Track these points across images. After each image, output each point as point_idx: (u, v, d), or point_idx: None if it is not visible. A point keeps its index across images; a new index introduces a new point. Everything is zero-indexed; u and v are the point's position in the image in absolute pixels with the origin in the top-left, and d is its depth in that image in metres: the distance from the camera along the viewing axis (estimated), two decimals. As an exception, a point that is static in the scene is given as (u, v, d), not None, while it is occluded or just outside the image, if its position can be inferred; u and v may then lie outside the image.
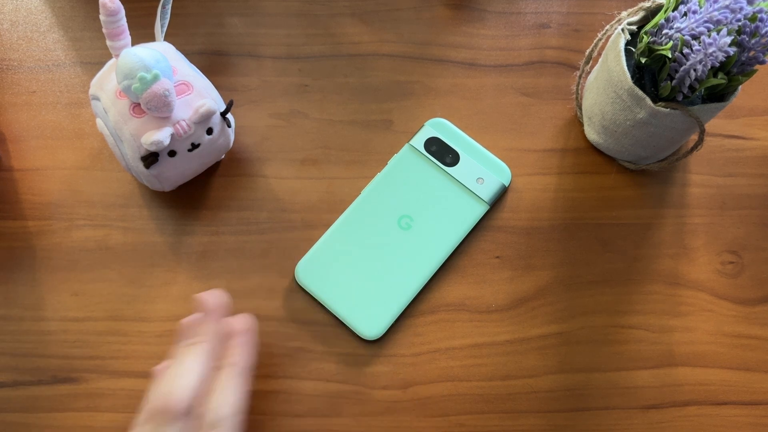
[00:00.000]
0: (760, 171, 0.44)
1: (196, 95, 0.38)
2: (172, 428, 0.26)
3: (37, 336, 0.39)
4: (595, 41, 0.41)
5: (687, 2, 0.36)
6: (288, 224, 0.42)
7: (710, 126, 0.45)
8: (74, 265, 0.41)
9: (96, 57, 0.46)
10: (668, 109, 0.37)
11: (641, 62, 0.37)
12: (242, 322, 0.32)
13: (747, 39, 0.34)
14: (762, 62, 0.35)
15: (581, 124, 0.45)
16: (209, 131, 0.38)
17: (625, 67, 0.37)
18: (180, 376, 0.27)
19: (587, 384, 0.39)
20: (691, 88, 0.36)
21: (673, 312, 0.41)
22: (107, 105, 0.37)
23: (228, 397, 0.28)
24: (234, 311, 0.40)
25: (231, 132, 0.41)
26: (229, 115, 0.40)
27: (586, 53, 0.42)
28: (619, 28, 0.39)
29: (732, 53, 0.33)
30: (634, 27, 0.39)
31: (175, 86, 0.37)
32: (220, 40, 0.47)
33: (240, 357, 0.30)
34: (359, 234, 0.41)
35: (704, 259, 0.42)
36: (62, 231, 0.42)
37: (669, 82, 0.36)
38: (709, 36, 0.33)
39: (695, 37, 0.35)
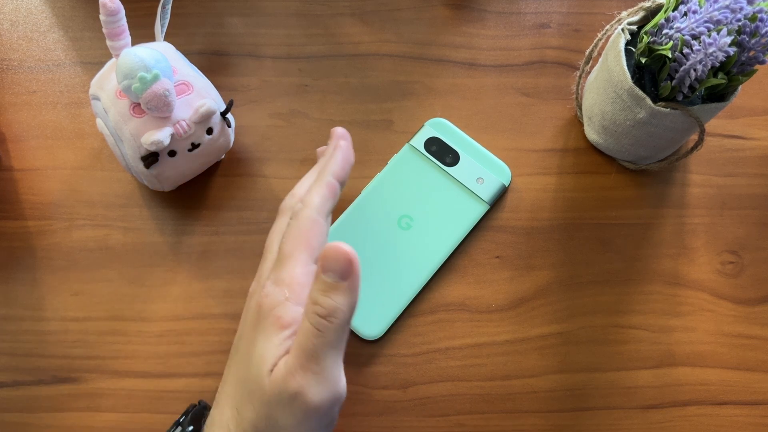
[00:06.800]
0: (760, 171, 0.44)
1: (196, 95, 0.38)
2: (284, 218, 0.36)
3: (37, 336, 0.39)
4: (595, 41, 0.41)
5: (687, 2, 0.36)
6: (288, 224, 0.42)
7: (710, 126, 0.45)
8: (74, 265, 0.41)
9: (96, 57, 0.46)
10: (668, 109, 0.37)
11: (641, 62, 0.37)
12: (340, 134, 0.38)
13: (747, 39, 0.34)
14: (762, 62, 0.35)
15: (581, 124, 0.45)
16: (209, 131, 0.38)
17: (625, 67, 0.37)
18: (296, 186, 0.37)
19: (587, 384, 0.39)
20: (691, 88, 0.36)
21: (673, 312, 0.41)
22: (107, 105, 0.37)
23: (309, 196, 0.34)
24: (234, 311, 0.40)
25: (231, 132, 0.41)
26: (229, 115, 0.40)
27: (586, 53, 0.42)
28: (619, 28, 0.39)
29: (732, 53, 0.33)
30: (634, 27, 0.39)
31: (175, 86, 0.37)
32: (220, 40, 0.47)
33: (328, 166, 0.36)
34: (359, 234, 0.41)
35: (704, 259, 0.42)
36: (62, 231, 0.42)
37: (669, 82, 0.36)
38: (709, 36, 0.33)
39: (695, 37, 0.35)
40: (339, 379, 0.30)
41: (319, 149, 0.41)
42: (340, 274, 0.28)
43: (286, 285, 0.31)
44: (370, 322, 0.39)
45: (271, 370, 0.29)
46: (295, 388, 0.28)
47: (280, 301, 0.31)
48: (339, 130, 0.39)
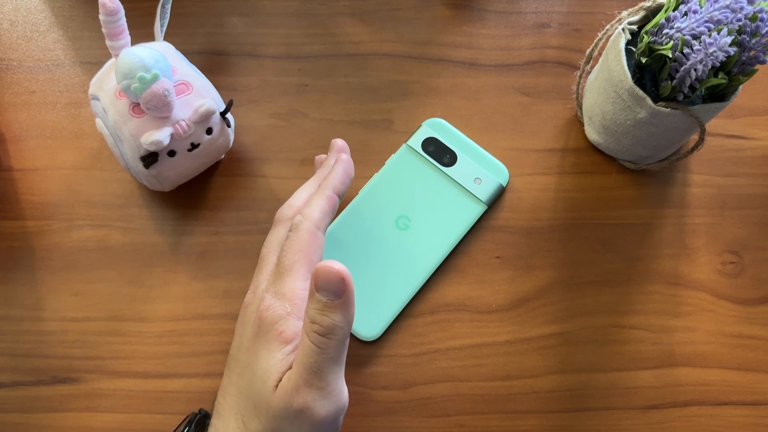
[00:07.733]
0: (761, 171, 0.44)
1: (196, 95, 0.38)
2: (281, 228, 0.36)
3: (37, 336, 0.39)
4: (595, 41, 0.41)
5: (687, 2, 0.36)
6: (288, 224, 0.42)
7: (711, 126, 0.45)
8: (74, 265, 0.41)
9: (95, 57, 0.46)
10: (669, 109, 0.37)
11: (642, 62, 0.37)
12: (340, 146, 0.39)
13: (747, 39, 0.34)
14: (762, 62, 0.35)
15: (581, 124, 0.45)
16: (209, 131, 0.38)
17: (626, 67, 0.37)
18: (293, 197, 0.37)
19: (588, 384, 0.39)
20: (692, 87, 0.36)
21: (673, 312, 0.41)
22: (107, 105, 0.37)
23: (309, 210, 0.34)
24: (233, 311, 0.40)
25: (231, 132, 0.41)
26: (228, 115, 0.40)
27: (587, 53, 0.42)
28: (620, 27, 0.38)
29: (732, 53, 0.33)
30: (634, 27, 0.39)
31: (174, 86, 0.37)
32: (220, 40, 0.47)
33: (328, 180, 0.37)
34: (356, 234, 0.41)
35: (705, 259, 0.42)
36: (62, 231, 0.41)
37: (669, 81, 0.36)
38: (710, 36, 0.33)
39: (696, 37, 0.35)
40: (342, 390, 0.30)
41: (318, 157, 0.41)
42: (335, 293, 0.29)
43: (288, 299, 0.32)
44: (368, 324, 0.39)
45: (276, 385, 0.30)
46: (301, 404, 0.29)
47: (281, 316, 0.31)
48: (339, 143, 0.39)
